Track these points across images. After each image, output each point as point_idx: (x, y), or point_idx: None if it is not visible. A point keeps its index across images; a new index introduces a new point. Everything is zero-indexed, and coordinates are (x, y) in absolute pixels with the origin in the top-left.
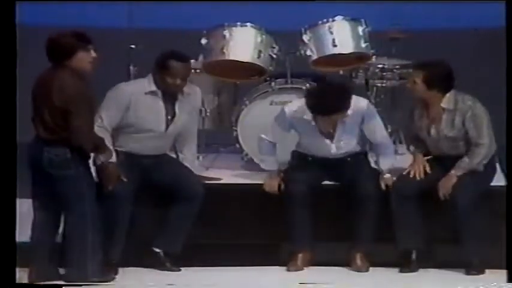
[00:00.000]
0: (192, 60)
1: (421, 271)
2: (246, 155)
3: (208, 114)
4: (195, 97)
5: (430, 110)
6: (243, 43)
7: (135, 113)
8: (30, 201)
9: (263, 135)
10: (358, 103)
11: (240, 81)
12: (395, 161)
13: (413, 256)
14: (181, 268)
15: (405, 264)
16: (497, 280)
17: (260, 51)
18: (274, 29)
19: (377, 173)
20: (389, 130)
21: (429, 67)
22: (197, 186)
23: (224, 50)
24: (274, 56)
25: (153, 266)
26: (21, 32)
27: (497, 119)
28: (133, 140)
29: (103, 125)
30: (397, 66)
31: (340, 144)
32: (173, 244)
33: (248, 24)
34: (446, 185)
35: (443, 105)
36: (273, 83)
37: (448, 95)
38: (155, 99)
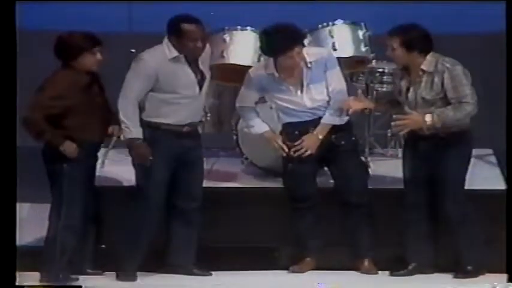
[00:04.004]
0: None
1: (422, 274)
2: (246, 158)
3: (208, 118)
4: (207, 53)
5: (412, 74)
6: (243, 47)
7: (165, 81)
8: (30, 205)
9: (239, 104)
10: (320, 51)
11: (240, 85)
12: (338, 121)
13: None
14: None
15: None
16: (497, 283)
17: (260, 55)
18: None
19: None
20: (388, 134)
21: (405, 30)
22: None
23: (224, 54)
24: None
25: (153, 269)
26: (21, 36)
27: (498, 121)
28: (168, 109)
29: (130, 97)
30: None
31: (312, 95)
32: (186, 258)
33: (248, 27)
34: (409, 122)
35: (422, 67)
36: None
37: (428, 57)
38: (180, 64)
